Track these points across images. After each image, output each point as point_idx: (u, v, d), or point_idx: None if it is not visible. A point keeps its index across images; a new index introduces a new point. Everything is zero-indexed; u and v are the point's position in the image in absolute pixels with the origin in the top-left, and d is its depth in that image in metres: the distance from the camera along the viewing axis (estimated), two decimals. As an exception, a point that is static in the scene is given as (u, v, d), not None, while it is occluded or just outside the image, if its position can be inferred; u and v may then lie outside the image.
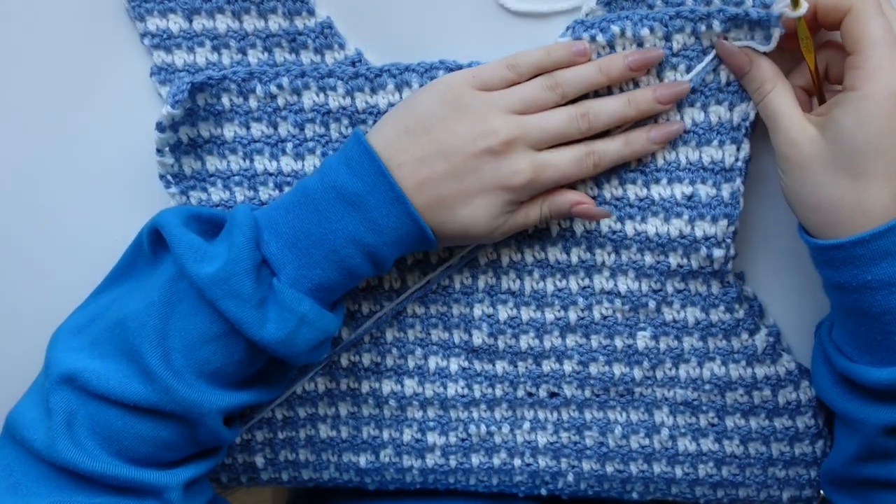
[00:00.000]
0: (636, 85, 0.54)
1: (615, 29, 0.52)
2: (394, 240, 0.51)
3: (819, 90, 0.52)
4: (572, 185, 0.55)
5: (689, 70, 0.53)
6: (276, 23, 0.56)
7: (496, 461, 0.62)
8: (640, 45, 0.53)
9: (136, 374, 0.49)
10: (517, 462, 0.62)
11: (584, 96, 0.54)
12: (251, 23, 0.56)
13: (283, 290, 0.50)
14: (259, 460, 0.63)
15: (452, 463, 0.62)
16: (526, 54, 0.53)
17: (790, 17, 0.49)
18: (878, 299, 0.48)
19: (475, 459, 0.62)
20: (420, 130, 0.51)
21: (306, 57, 0.56)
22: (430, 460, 0.63)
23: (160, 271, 0.51)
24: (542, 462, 0.62)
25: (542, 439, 0.62)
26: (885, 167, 0.48)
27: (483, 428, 0.61)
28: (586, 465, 0.62)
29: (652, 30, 0.52)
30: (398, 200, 0.50)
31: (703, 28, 0.52)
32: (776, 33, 0.50)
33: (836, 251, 0.49)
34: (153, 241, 0.52)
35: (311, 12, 0.55)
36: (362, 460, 0.63)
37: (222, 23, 0.56)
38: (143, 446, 0.49)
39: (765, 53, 0.51)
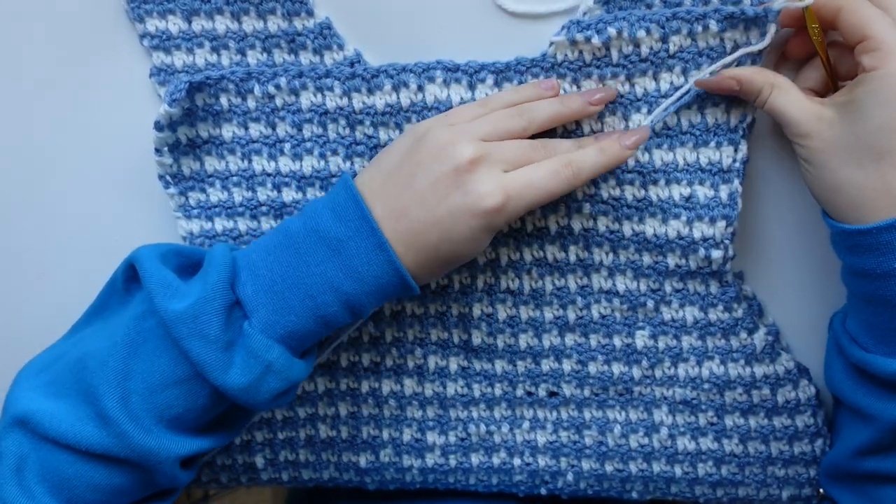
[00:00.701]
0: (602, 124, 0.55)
1: (612, 31, 0.52)
2: (374, 289, 0.49)
3: (833, 79, 0.52)
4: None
5: (684, 72, 0.53)
6: (275, 24, 0.56)
7: (496, 460, 0.62)
8: (637, 46, 0.52)
9: (91, 417, 0.47)
10: (517, 461, 0.62)
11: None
12: (250, 24, 0.56)
13: (253, 335, 0.48)
14: (259, 460, 0.63)
15: (452, 462, 0.63)
16: (497, 95, 0.53)
17: (797, 8, 0.49)
18: None
19: (475, 459, 0.63)
20: (393, 168, 0.50)
21: (305, 58, 0.56)
22: (430, 460, 0.63)
23: (129, 309, 0.49)
24: (542, 461, 0.62)
25: (541, 438, 0.62)
26: None
27: (482, 427, 0.62)
28: (586, 465, 0.62)
29: (648, 31, 0.52)
30: (381, 248, 0.48)
31: (699, 29, 0.52)
32: (772, 29, 0.50)
33: (861, 236, 0.49)
34: (127, 278, 0.50)
35: (310, 13, 0.55)
36: (362, 460, 0.63)
37: (221, 24, 0.56)
38: (95, 494, 0.47)
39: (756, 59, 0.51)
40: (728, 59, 0.51)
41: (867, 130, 0.48)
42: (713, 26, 0.51)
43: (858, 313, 0.52)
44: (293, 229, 0.49)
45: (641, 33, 0.52)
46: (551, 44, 0.53)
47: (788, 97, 0.51)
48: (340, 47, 0.56)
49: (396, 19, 0.56)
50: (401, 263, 0.48)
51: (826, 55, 0.51)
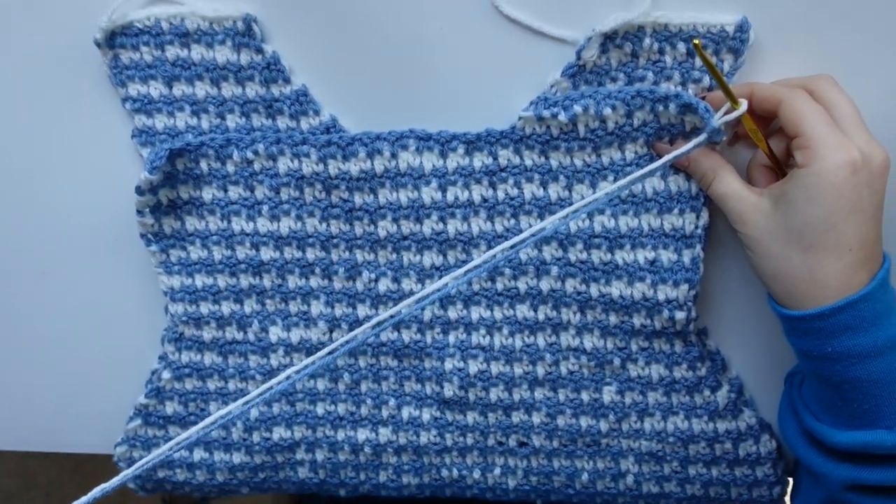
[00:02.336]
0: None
1: (577, 108, 0.53)
2: None
3: (780, 170, 0.54)
4: (538, 247, 0.57)
5: (647, 143, 0.54)
6: (253, 90, 0.57)
7: (468, 494, 0.65)
8: (603, 122, 0.54)
9: None
10: (489, 496, 0.65)
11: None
12: (229, 89, 0.57)
13: None
14: None
15: (427, 493, 0.65)
16: None
17: (734, 118, 0.50)
18: (837, 370, 0.50)
19: (448, 492, 0.65)
20: None
21: (282, 122, 0.58)
22: (407, 492, 0.65)
23: None
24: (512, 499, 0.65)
25: (511, 482, 0.64)
26: (834, 241, 0.49)
27: (455, 472, 0.64)
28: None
29: (614, 108, 0.53)
30: None
31: (661, 108, 0.53)
32: (722, 139, 0.51)
33: (797, 322, 0.51)
34: None
35: (287, 80, 0.56)
36: (342, 492, 0.65)
37: (201, 89, 0.57)
38: None
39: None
40: (684, 148, 0.51)
41: (795, 224, 0.49)
42: (673, 108, 0.53)
43: (809, 384, 0.54)
44: None
45: (607, 111, 0.53)
46: (520, 118, 0.55)
47: (729, 186, 0.53)
48: (316, 113, 0.57)
49: (371, 89, 0.57)
50: None
51: (771, 151, 0.53)
